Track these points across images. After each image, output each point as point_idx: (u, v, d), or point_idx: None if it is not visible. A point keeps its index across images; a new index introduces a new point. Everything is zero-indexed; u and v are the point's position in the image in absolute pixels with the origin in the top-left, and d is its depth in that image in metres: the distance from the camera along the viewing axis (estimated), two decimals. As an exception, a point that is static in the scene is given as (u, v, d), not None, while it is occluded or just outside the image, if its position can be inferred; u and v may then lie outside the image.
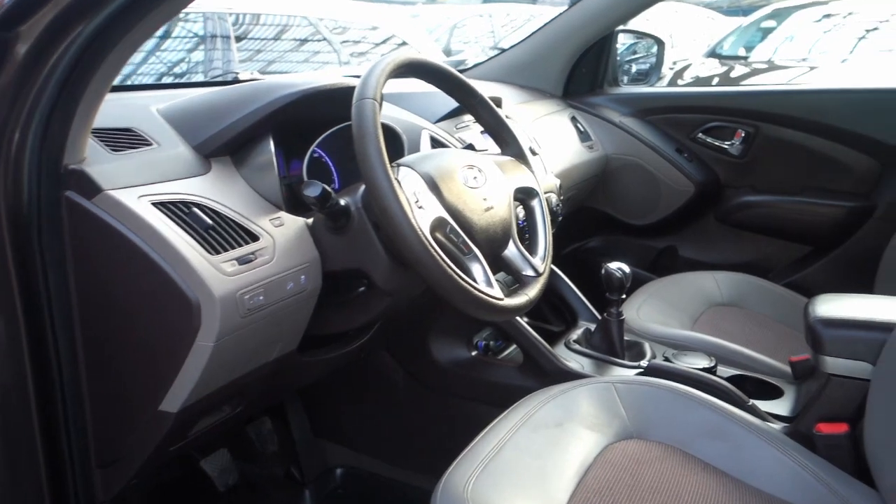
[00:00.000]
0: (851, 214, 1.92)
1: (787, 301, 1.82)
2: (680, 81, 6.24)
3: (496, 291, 0.99)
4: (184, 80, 2.76)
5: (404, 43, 5.34)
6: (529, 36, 2.14)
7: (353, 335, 1.27)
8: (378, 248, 1.00)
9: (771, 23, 7.20)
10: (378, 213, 0.92)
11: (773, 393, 1.37)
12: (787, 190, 2.01)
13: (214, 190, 0.97)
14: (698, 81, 6.23)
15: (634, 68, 2.84)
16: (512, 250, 1.10)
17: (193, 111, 1.08)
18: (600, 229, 2.30)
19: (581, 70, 2.17)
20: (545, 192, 1.56)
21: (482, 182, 1.07)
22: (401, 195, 0.91)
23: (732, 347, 1.51)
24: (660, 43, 2.35)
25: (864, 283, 1.94)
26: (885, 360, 1.06)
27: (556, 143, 1.91)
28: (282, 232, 1.00)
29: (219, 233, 0.92)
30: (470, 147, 1.33)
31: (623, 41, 2.72)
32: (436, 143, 1.34)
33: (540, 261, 1.13)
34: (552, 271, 1.66)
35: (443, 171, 1.02)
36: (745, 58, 7.02)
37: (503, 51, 2.21)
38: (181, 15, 2.61)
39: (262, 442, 1.54)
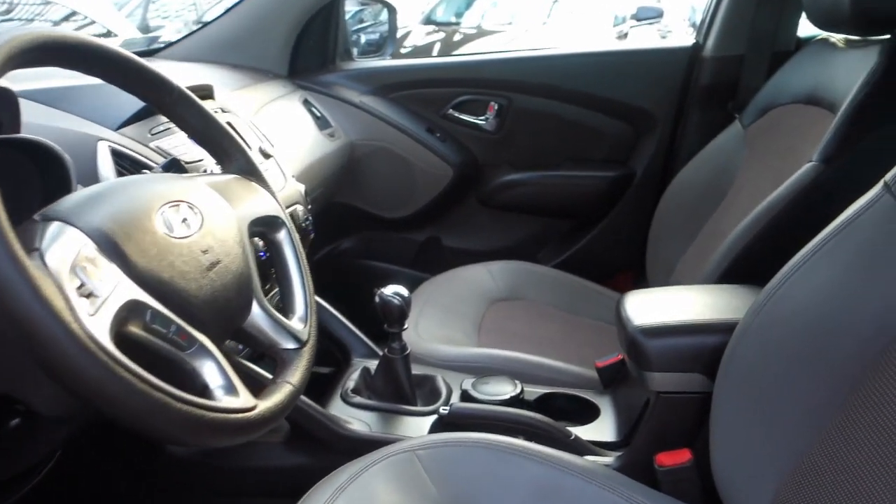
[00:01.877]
0: (613, 184, 1.83)
1: (563, 285, 1.68)
2: (402, 50, 6.13)
3: (242, 398, 0.63)
4: None
5: (92, 21, 4.49)
6: (239, 3, 1.73)
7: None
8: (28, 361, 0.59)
9: (476, -11, 7.37)
10: (6, 324, 0.51)
11: (589, 412, 1.18)
12: (547, 164, 1.87)
13: None
14: (420, 50, 6.18)
15: (364, 39, 2.55)
16: (257, 316, 0.74)
17: None
18: (354, 227, 1.99)
19: (308, 43, 1.82)
20: (289, 206, 1.21)
21: (197, 225, 0.69)
22: (44, 287, 0.50)
23: (532, 360, 1.30)
24: (391, 9, 2.08)
25: (633, 254, 1.87)
26: (726, 368, 0.89)
27: (290, 136, 1.55)
28: None
29: None
30: (174, 165, 0.92)
31: (347, 8, 2.41)
32: (122, 162, 0.92)
33: (300, 322, 0.79)
34: (310, 300, 1.32)
35: (127, 220, 0.62)
36: (458, 24, 7.14)
37: (207, 24, 1.78)
38: None
39: None
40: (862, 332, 0.76)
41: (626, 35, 6.33)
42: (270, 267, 0.87)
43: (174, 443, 0.60)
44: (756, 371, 0.85)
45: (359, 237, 2.00)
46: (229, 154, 0.83)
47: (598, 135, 1.83)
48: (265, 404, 0.66)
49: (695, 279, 1.44)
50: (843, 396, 0.75)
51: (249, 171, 0.84)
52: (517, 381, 1.19)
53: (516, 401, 1.16)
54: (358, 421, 1.11)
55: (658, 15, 6.44)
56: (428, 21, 6.90)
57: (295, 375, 0.73)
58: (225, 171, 0.84)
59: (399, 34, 6.80)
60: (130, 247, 0.60)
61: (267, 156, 1.21)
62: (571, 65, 1.79)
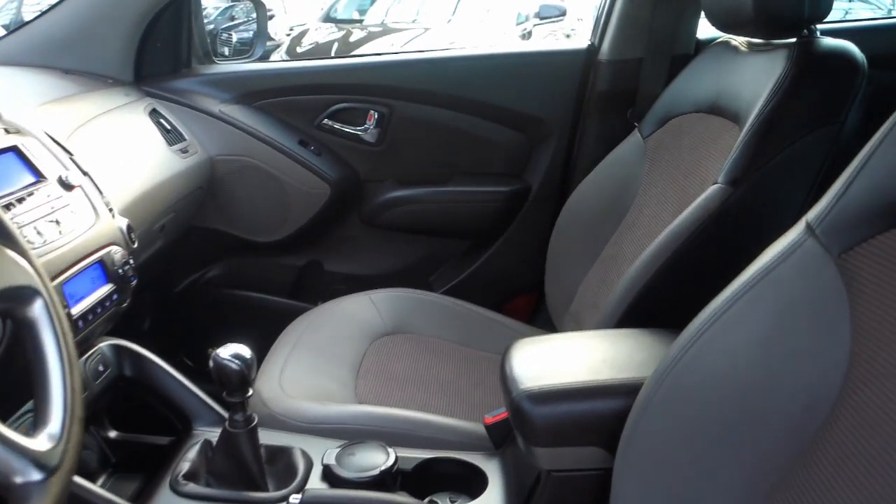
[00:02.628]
0: (508, 200, 1.66)
1: (455, 315, 1.50)
2: (299, 49, 5.85)
3: None
4: None
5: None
6: (66, -4, 1.47)
7: None
8: None
9: (378, -16, 7.16)
10: None
11: (476, 482, 1.00)
12: (435, 179, 1.68)
13: None
14: (318, 50, 5.90)
15: (236, 37, 2.30)
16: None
17: None
18: (220, 253, 1.75)
19: (156, 43, 1.57)
20: (103, 247, 0.98)
21: None
22: None
23: (413, 418, 1.12)
24: (258, 5, 1.84)
25: (532, 276, 1.71)
26: (628, 443, 0.73)
27: (126, 155, 1.30)
28: None
29: None
30: None
31: (217, 4, 2.16)
32: None
33: (51, 439, 0.57)
34: (139, 359, 1.09)
35: None
36: (360, 21, 6.91)
37: (30, 21, 1.50)
38: None
39: None
40: (790, 411, 0.60)
41: (529, 34, 6.26)
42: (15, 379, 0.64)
43: None
44: (665, 450, 0.69)
45: (227, 264, 1.76)
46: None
47: (489, 146, 1.66)
48: None
49: (597, 308, 1.29)
50: (768, 489, 0.60)
51: (-15, 227, 0.61)
52: (390, 449, 1.00)
53: (388, 474, 0.97)
54: (188, 519, 0.90)
55: (561, 13, 6.41)
56: (328, 18, 6.64)
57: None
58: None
59: (296, 32, 6.53)
60: None
61: (69, 187, 0.97)
62: (457, 69, 1.61)
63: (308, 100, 1.63)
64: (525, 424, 0.82)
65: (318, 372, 1.26)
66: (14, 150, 0.93)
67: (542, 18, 6.19)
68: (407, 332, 1.45)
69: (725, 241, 0.97)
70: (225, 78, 1.63)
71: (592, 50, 1.57)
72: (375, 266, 1.76)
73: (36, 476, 0.54)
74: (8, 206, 0.85)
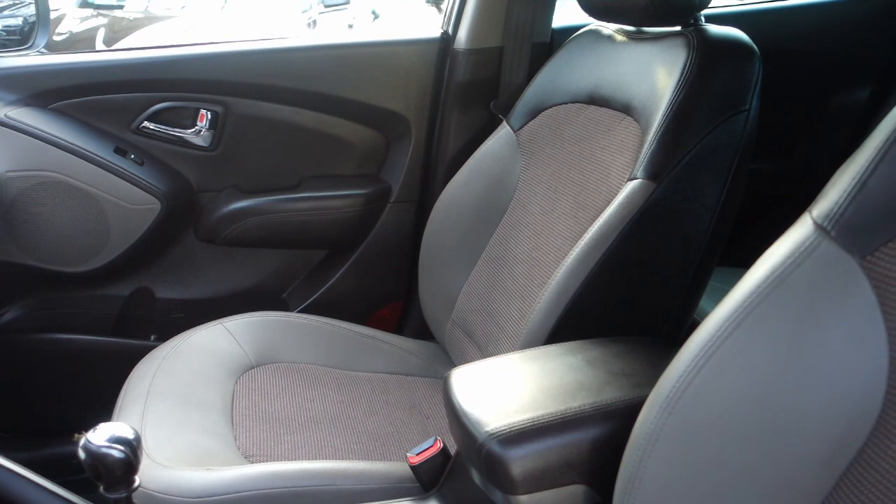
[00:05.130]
0: (366, 203, 1.52)
1: (325, 334, 1.36)
2: (56, 37, 5.14)
3: None
4: None
5: None
6: None
7: None
8: None
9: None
10: None
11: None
12: (283, 185, 1.50)
13: None
14: (75, 38, 5.22)
15: (0, 24, 1.91)
16: None
17: None
18: (20, 290, 1.42)
19: None
20: None
21: None
22: None
23: (322, 470, 0.96)
24: (35, -17, 1.51)
25: (397, 283, 1.59)
26: (634, 476, 0.65)
27: None
28: None
29: None
30: None
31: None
32: None
33: None
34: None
35: None
36: (121, 6, 6.24)
37: None
38: None
39: None
40: (830, 428, 0.56)
41: (315, 22, 6.05)
42: None
43: None
44: (683, 485, 0.62)
45: (30, 303, 1.44)
46: None
47: (341, 145, 1.50)
48: None
49: (489, 313, 1.22)
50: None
51: None
52: None
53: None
54: None
55: (346, 1, 6.27)
56: (85, 4, 5.89)
57: None
58: None
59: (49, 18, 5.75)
60: None
61: None
62: (301, 60, 1.43)
63: (122, 99, 1.36)
64: (499, 472, 0.71)
65: (187, 428, 1.06)
66: None
67: (326, 6, 6.00)
68: (274, 361, 1.28)
69: (652, 237, 0.93)
70: (6, 75, 1.31)
71: (447, 39, 1.48)
72: (219, 288, 1.54)
73: None
74: None
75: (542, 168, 1.23)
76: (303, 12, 6.01)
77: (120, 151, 1.36)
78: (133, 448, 0.71)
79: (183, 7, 6.47)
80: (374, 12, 6.37)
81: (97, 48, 4.85)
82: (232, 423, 1.11)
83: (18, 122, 1.28)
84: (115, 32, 5.22)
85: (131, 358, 1.22)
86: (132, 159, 1.37)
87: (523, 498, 0.71)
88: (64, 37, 5.08)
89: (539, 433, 0.72)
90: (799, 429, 0.56)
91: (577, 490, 0.72)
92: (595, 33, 1.23)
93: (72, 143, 1.31)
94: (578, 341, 0.88)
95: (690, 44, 0.98)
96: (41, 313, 1.44)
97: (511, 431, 0.71)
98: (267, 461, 1.01)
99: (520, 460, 0.71)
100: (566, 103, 1.23)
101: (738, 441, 0.59)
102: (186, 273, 1.52)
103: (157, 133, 1.39)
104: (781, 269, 0.59)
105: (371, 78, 1.45)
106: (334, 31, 6.07)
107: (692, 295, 0.98)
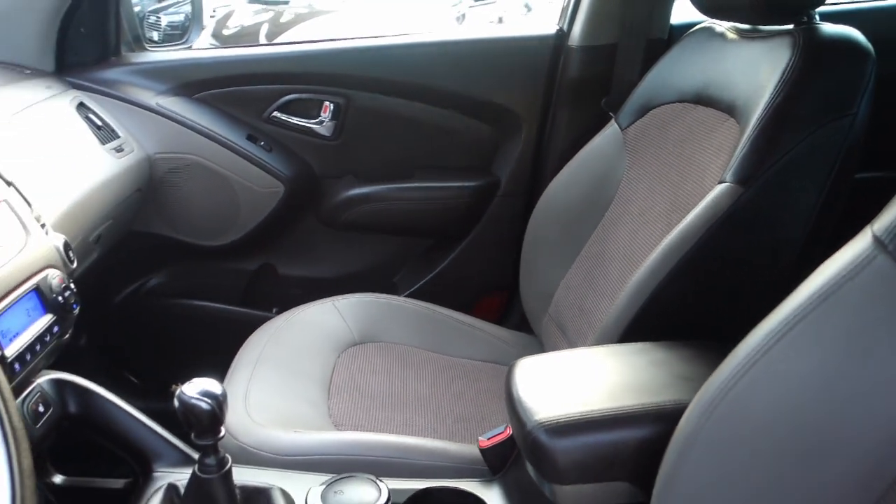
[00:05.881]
0: (475, 195, 1.57)
1: (426, 319, 1.41)
2: (225, 31, 5.59)
3: None
4: None
5: None
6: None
7: None
8: None
9: (302, -39, 6.92)
10: None
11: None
12: (397, 175, 1.57)
13: None
14: (245, 32, 5.64)
15: (165, 21, 2.12)
16: None
17: None
18: (163, 260, 1.60)
19: (79, 28, 1.40)
20: (37, 272, 0.84)
21: None
22: None
23: (401, 444, 1.02)
24: (192, -16, 1.69)
25: (502, 275, 1.63)
26: (667, 487, 0.65)
27: (57, 155, 1.15)
28: None
29: None
30: None
31: (141, -17, 1.97)
32: None
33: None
34: (85, 393, 0.95)
35: None
36: (287, 2, 6.66)
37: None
38: None
39: None
40: (871, 447, 0.54)
41: (463, 16, 6.15)
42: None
43: None
44: (717, 491, 0.62)
45: (171, 272, 1.61)
46: None
47: (454, 138, 1.56)
48: None
49: (584, 312, 1.22)
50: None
51: None
52: (381, 483, 0.90)
53: (381, 512, 0.87)
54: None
55: (496, -5, 6.32)
56: (253, -1, 6.35)
57: None
58: None
59: (222, 14, 6.24)
60: None
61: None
62: (419, 56, 1.50)
63: (256, 90, 1.49)
64: (544, 461, 0.73)
65: (286, 393, 1.15)
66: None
67: (476, 0, 6.09)
68: (376, 340, 1.35)
69: (737, 243, 0.90)
70: (160, 67, 1.48)
71: (561, 35, 1.48)
72: (334, 269, 1.65)
73: None
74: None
75: (644, 168, 1.22)
76: (452, 6, 6.13)
77: (251, 138, 1.49)
78: (219, 402, 0.79)
79: (344, 1, 6.81)
80: (527, 6, 6.36)
81: (260, 41, 5.23)
82: (328, 393, 1.19)
83: (167, 109, 1.44)
84: (278, 27, 5.59)
85: (253, 327, 1.34)
86: (262, 146, 1.50)
87: (567, 488, 0.73)
88: (233, 31, 5.51)
89: (587, 427, 0.73)
90: (837, 446, 0.55)
91: (621, 487, 0.73)
92: (708, 31, 1.20)
93: (211, 130, 1.45)
94: (649, 342, 0.87)
95: (796, 43, 0.94)
96: (180, 281, 1.61)
97: (559, 422, 0.73)
98: (353, 431, 1.09)
99: (565, 452, 0.72)
100: (674, 102, 1.20)
101: (773, 453, 0.58)
102: (307, 253, 1.64)
103: (285, 122, 1.51)
104: (834, 282, 0.57)
105: (485, 73, 1.49)
106: (483, 25, 6.15)
107: (777, 304, 0.94)
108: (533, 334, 1.44)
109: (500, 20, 6.25)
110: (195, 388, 0.80)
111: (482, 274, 1.62)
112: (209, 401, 0.79)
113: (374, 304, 1.40)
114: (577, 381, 0.80)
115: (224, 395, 0.81)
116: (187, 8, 1.88)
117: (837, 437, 0.55)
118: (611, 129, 1.31)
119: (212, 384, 0.81)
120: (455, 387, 1.27)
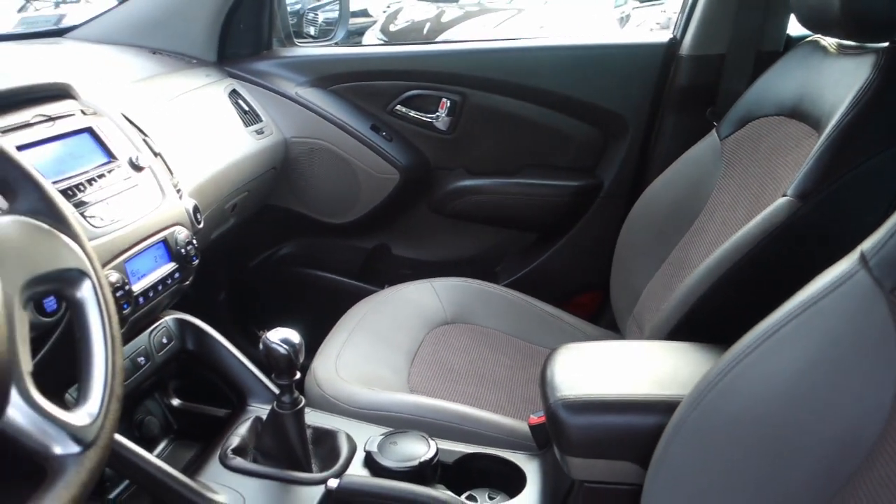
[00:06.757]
0: (578, 195, 1.63)
1: (517, 308, 1.49)
2: (392, 27, 5.90)
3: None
4: None
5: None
6: (156, -22, 1.53)
7: None
8: None
9: (478, -38, 7.10)
10: None
11: (515, 480, 1.00)
12: (505, 170, 1.67)
13: None
14: (411, 28, 5.92)
15: (322, 17, 2.34)
16: (16, 412, 0.56)
17: None
18: (292, 232, 1.80)
19: (239, 24, 1.62)
20: (168, 227, 1.02)
21: None
22: None
23: (459, 412, 1.12)
24: (343, -12, 1.87)
25: (598, 274, 1.68)
26: (659, 463, 0.71)
27: (205, 133, 1.36)
28: None
29: None
30: None
31: (303, -17, 2.19)
32: None
33: (89, 416, 0.60)
34: (201, 334, 1.14)
35: None
36: (456, 0, 6.87)
37: (120, 3, 1.58)
38: None
39: None
40: (825, 450, 0.57)
41: (627, 17, 6.07)
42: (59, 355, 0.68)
43: None
44: (693, 476, 0.67)
45: (299, 243, 1.81)
46: (14, 189, 0.64)
47: (562, 139, 1.63)
48: None
49: (659, 314, 1.25)
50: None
51: (44, 212, 0.65)
52: (432, 441, 1.01)
53: (427, 467, 0.97)
54: (232, 492, 0.93)
55: (663, -3, 6.17)
56: (423, -4, 6.63)
57: (60, 498, 0.54)
58: (11, 210, 0.65)
59: (392, 10, 6.57)
60: None
61: (139, 168, 1.02)
62: (531, 59, 1.58)
63: (382, 85, 1.64)
64: (559, 432, 0.81)
65: (373, 358, 1.29)
66: (89, 131, 0.98)
67: (641, 2, 5.98)
68: (466, 322, 1.45)
69: (788, 257, 0.91)
70: (302, 61, 1.67)
71: (674, 44, 1.51)
72: (441, 253, 1.77)
73: (73, 449, 0.57)
74: (79, 186, 0.90)
75: (733, 179, 1.23)
76: (616, 7, 6.07)
77: (375, 128, 1.65)
78: (295, 349, 0.94)
79: (510, 1, 6.92)
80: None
81: (423, 38, 5.47)
82: (412, 363, 1.32)
83: (305, 99, 1.62)
84: (443, 23, 5.82)
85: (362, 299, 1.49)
86: (383, 136, 1.65)
87: (578, 460, 0.80)
88: (399, 27, 5.81)
89: (601, 408, 0.80)
90: (798, 444, 0.59)
91: (628, 467, 0.79)
92: (814, 44, 1.19)
93: (340, 119, 1.62)
94: (685, 342, 0.91)
95: (877, 62, 0.93)
96: (306, 252, 1.81)
97: (577, 400, 0.80)
98: (423, 396, 1.20)
99: (578, 427, 0.79)
100: (772, 115, 1.20)
101: (744, 444, 0.63)
102: (418, 237, 1.78)
103: (406, 115, 1.66)
104: (818, 293, 0.61)
105: (596, 78, 1.55)
106: (647, 26, 6.02)
107: None
108: (619, 333, 1.48)
109: (669, 22, 6.10)
110: (277, 336, 0.94)
111: (579, 271, 1.68)
112: (287, 347, 0.93)
113: (469, 288, 1.50)
114: (603, 368, 0.86)
115: (301, 344, 0.95)
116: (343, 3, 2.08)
117: (799, 436, 0.59)
118: (710, 138, 1.32)
119: (291, 334, 0.95)
120: (531, 372, 1.35)
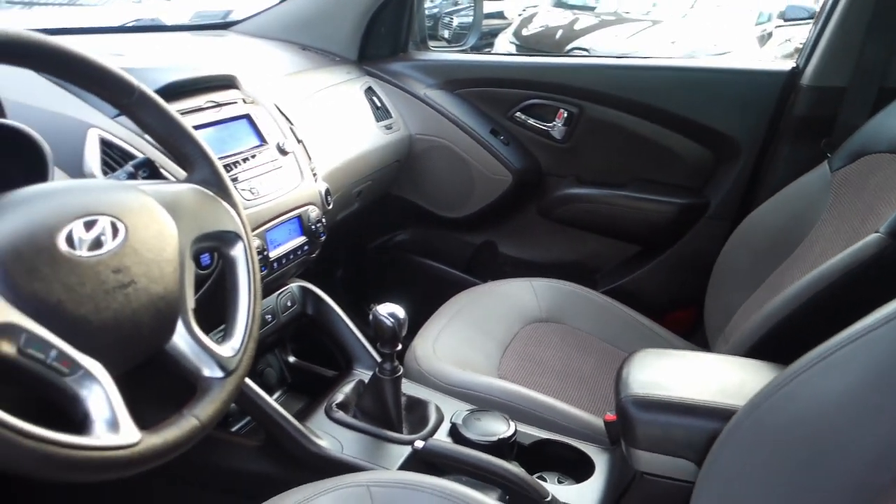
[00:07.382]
0: (682, 212, 1.67)
1: (610, 314, 1.56)
2: (525, 32, 5.99)
3: (123, 433, 0.60)
4: None
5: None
6: (312, -17, 1.71)
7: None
8: None
9: (617, -28, 7.05)
10: None
11: (584, 468, 1.09)
12: (614, 182, 1.73)
13: None
14: (544, 33, 5.99)
15: (457, 22, 2.47)
16: (180, 340, 0.70)
17: None
18: (409, 221, 1.95)
19: (380, 28, 1.77)
20: (301, 206, 1.17)
21: (115, 242, 0.65)
22: None
23: (540, 400, 1.21)
24: (478, -3, 1.99)
25: (695, 292, 1.71)
26: (712, 464, 0.78)
27: (341, 125, 1.51)
28: None
29: None
30: (143, 166, 0.88)
31: (443, -11, 2.33)
32: (111, 152, 0.91)
33: (232, 350, 0.75)
34: (320, 302, 1.29)
35: (22, 237, 0.60)
36: (593, 8, 6.88)
37: (278, 3, 1.76)
38: None
39: None
40: (860, 467, 0.63)
41: (769, 35, 5.87)
42: (210, 302, 0.83)
43: (31, 478, 0.57)
44: (740, 481, 0.74)
45: (414, 232, 1.95)
46: (192, 162, 0.80)
47: (672, 157, 1.67)
48: (152, 441, 0.62)
49: (741, 332, 1.29)
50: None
51: (213, 182, 0.80)
52: (513, 422, 1.11)
53: (505, 444, 1.08)
54: (332, 439, 1.07)
55: (810, 16, 5.92)
56: (559, 3, 6.69)
57: (206, 409, 0.69)
58: (188, 179, 0.80)
59: (526, 14, 6.66)
60: (16, 266, 0.58)
61: (284, 152, 1.18)
62: (650, 77, 1.64)
63: (504, 92, 1.75)
64: (627, 426, 0.88)
65: (468, 343, 1.40)
66: (247, 117, 1.15)
67: (786, 20, 5.77)
68: (560, 321, 1.53)
69: (871, 291, 0.94)
70: (433, 65, 1.80)
71: (796, 73, 1.52)
72: (545, 255, 1.86)
73: (219, 374, 0.72)
74: (235, 164, 1.07)
75: (838, 212, 1.25)
76: (757, 24, 5.89)
77: (494, 132, 1.76)
78: (399, 323, 1.06)
79: (647, 13, 6.84)
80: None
81: (554, 44, 5.53)
82: (503, 353, 1.42)
83: (432, 100, 1.76)
84: (576, 31, 5.86)
85: None
86: (501, 140, 1.76)
87: (640, 453, 0.88)
88: (532, 32, 5.91)
89: (666, 408, 0.87)
90: (836, 457, 0.65)
91: (686, 464, 0.86)
92: None
93: (463, 121, 1.74)
94: (758, 361, 0.96)
95: None
96: (419, 241, 1.95)
97: (645, 398, 0.88)
98: (510, 383, 1.30)
99: (643, 423, 0.87)
100: (885, 152, 1.21)
101: (791, 453, 0.69)
102: (524, 237, 1.87)
103: (524, 122, 1.75)
104: (873, 324, 0.66)
105: (712, 101, 1.59)
106: (789, 46, 5.79)
107: None
108: (708, 350, 1.52)
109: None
110: (385, 310, 1.07)
111: (677, 287, 1.72)
112: (392, 320, 1.06)
113: (566, 290, 1.59)
114: (674, 373, 0.93)
115: (405, 319, 1.07)
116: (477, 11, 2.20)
117: (836, 452, 0.65)
118: (822, 169, 1.34)
119: (398, 309, 1.08)
120: (614, 374, 1.41)
